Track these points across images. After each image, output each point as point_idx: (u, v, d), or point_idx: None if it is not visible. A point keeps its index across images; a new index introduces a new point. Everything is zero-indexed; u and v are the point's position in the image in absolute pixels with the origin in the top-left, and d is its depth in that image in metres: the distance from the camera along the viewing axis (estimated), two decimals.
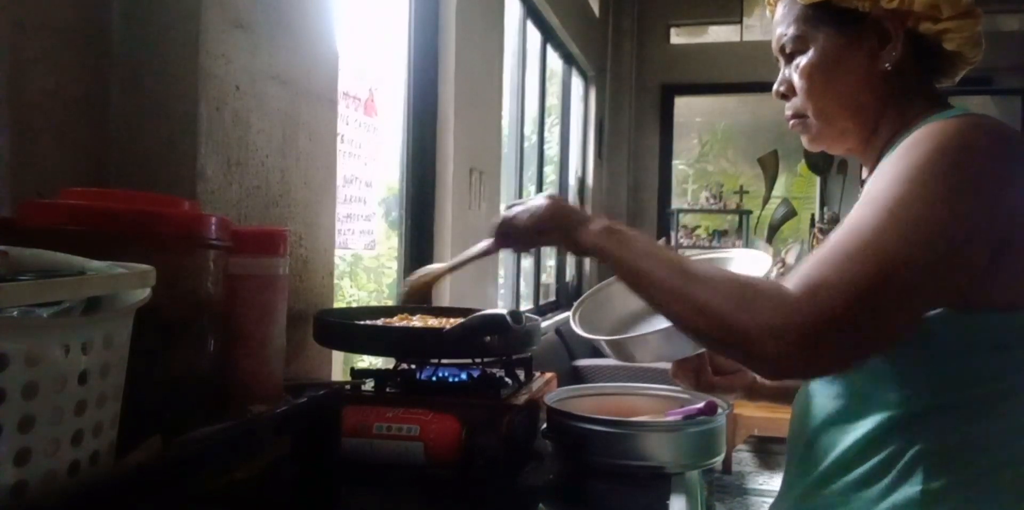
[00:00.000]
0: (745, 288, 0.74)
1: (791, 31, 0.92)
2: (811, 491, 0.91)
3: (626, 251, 0.85)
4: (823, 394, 0.92)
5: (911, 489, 0.81)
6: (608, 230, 0.88)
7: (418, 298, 1.20)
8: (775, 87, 0.97)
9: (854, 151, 0.96)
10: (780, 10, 0.95)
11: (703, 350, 1.06)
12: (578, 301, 1.24)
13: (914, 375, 0.82)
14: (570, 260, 5.39)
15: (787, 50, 0.94)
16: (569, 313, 1.23)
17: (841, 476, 0.87)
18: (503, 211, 1.02)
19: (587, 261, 5.68)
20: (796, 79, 0.93)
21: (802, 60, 0.92)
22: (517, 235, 0.98)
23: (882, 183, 0.77)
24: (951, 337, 0.79)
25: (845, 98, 0.91)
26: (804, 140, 0.98)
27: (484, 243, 1.07)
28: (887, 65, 0.88)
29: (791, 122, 0.97)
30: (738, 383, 1.16)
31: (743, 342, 0.72)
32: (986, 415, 0.81)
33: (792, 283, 0.72)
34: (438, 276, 1.19)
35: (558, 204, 0.95)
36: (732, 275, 0.77)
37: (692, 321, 0.78)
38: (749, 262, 1.10)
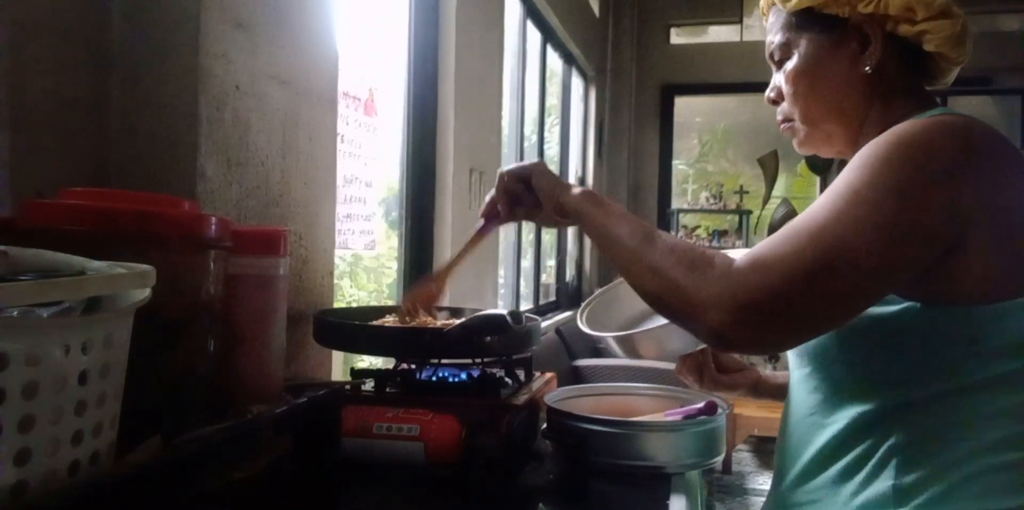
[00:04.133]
0: (698, 257, 0.77)
1: (778, 38, 0.96)
2: (793, 488, 0.93)
3: (601, 213, 0.89)
4: (801, 389, 0.94)
5: (883, 484, 0.82)
6: (588, 193, 0.93)
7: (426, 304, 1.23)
8: (767, 93, 1.00)
9: (843, 154, 0.98)
10: (771, 18, 0.99)
11: (706, 346, 1.07)
12: (585, 302, 1.25)
13: (886, 369, 0.83)
14: (570, 260, 5.38)
15: (776, 57, 0.97)
16: (570, 314, 1.23)
17: (819, 472, 0.89)
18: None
19: (587, 262, 5.68)
20: (784, 85, 0.96)
21: (788, 66, 0.95)
22: (507, 184, 1.02)
23: (844, 173, 0.79)
24: (922, 331, 0.80)
25: (829, 101, 0.93)
26: (794, 144, 1.01)
27: (477, 224, 1.10)
28: (868, 68, 0.90)
29: (782, 126, 1.00)
30: (741, 381, 1.16)
31: (688, 309, 0.75)
32: (957, 408, 0.82)
33: (741, 257, 0.75)
34: (444, 275, 1.20)
35: (545, 165, 1.01)
36: (691, 245, 0.80)
37: (645, 282, 0.81)
38: None
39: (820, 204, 0.77)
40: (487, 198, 1.06)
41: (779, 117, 0.99)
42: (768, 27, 0.99)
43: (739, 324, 0.72)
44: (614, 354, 1.09)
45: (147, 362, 0.66)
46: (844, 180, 0.78)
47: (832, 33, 0.91)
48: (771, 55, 0.98)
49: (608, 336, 1.07)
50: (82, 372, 0.54)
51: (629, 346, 1.06)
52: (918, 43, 0.90)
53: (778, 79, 0.97)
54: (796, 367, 0.96)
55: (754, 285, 0.72)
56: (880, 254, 0.73)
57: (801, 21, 0.93)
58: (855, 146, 0.94)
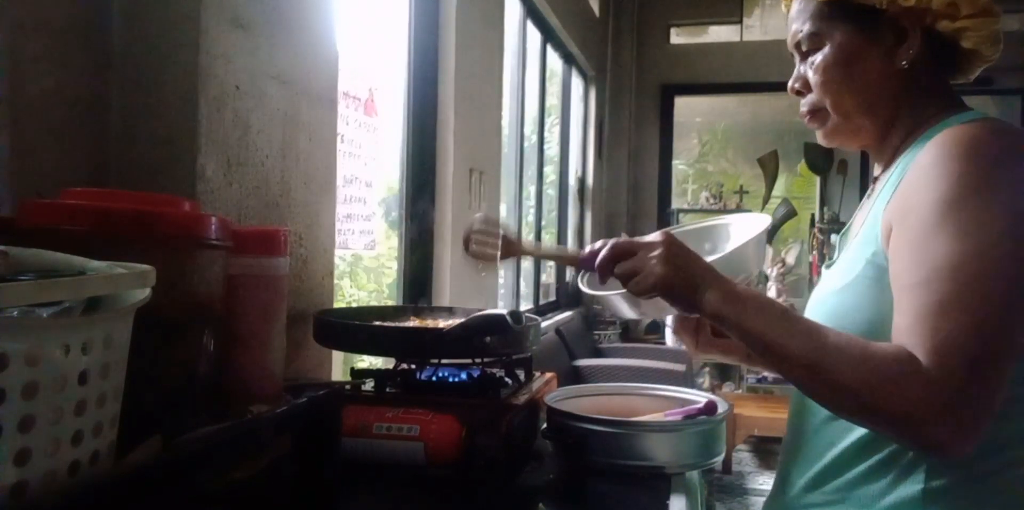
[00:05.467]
0: (882, 364, 0.72)
1: (807, 28, 0.92)
2: (810, 488, 0.91)
3: (751, 320, 0.81)
4: None
5: (913, 487, 0.81)
6: (729, 296, 0.83)
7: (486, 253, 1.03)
8: (790, 83, 0.97)
9: (868, 147, 0.97)
10: (796, 6, 0.95)
11: None
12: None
13: None
14: None
15: (803, 47, 0.94)
16: (570, 314, 1.21)
17: (842, 473, 0.87)
18: (619, 240, 0.91)
19: None
20: (812, 76, 0.93)
21: (818, 57, 0.92)
22: (632, 282, 0.88)
23: (937, 210, 0.76)
24: None
25: (861, 96, 0.91)
26: (819, 135, 0.97)
27: (584, 253, 0.95)
28: (904, 63, 0.88)
29: (806, 118, 0.96)
30: (735, 347, 1.16)
31: (900, 429, 0.73)
32: (995, 419, 0.80)
33: (912, 346, 0.72)
34: (513, 250, 1.05)
35: (675, 257, 0.86)
36: (862, 345, 0.75)
37: (837, 403, 0.78)
38: (747, 225, 1.09)
39: (943, 257, 0.74)
40: (597, 247, 0.92)
41: (804, 109, 0.96)
42: (792, 15, 0.95)
43: (963, 432, 0.70)
44: (615, 314, 1.07)
45: (147, 362, 0.66)
46: (945, 219, 0.75)
47: (867, 25, 0.89)
48: (797, 45, 0.94)
49: (610, 294, 1.04)
50: (82, 372, 0.54)
51: (632, 303, 1.03)
52: (955, 40, 0.89)
53: (803, 70, 0.95)
54: None
55: (960, 387, 0.69)
56: (1020, 290, 0.73)
57: (835, 11, 0.90)
58: (882, 141, 0.94)
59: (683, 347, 1.16)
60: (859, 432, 0.86)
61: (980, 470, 0.81)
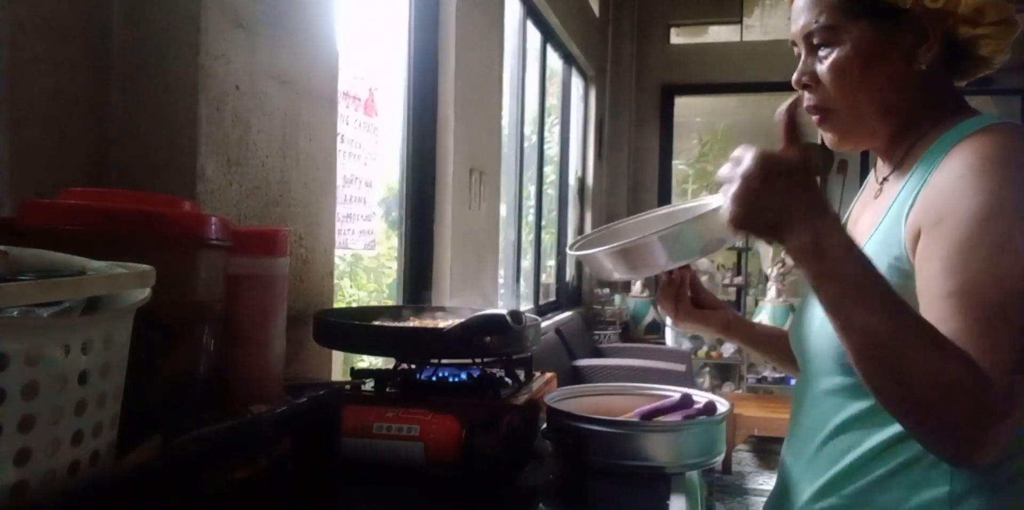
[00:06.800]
0: (955, 374, 0.70)
1: (823, 20, 0.88)
2: (825, 493, 0.90)
3: (830, 283, 0.76)
4: (842, 395, 0.90)
5: (938, 490, 0.81)
6: (815, 248, 0.76)
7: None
8: (796, 77, 0.92)
9: (878, 150, 0.95)
10: None
11: (687, 263, 1.04)
12: (580, 236, 1.23)
13: None
14: (570, 260, 5.39)
15: (814, 40, 0.90)
16: (570, 313, 1.22)
17: (862, 477, 0.86)
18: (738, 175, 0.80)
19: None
20: (825, 72, 0.89)
21: (833, 53, 0.88)
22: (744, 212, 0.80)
23: (974, 221, 0.75)
24: None
25: (877, 96, 0.88)
26: (829, 140, 0.94)
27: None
28: (923, 65, 0.86)
29: (815, 116, 0.93)
30: (714, 318, 1.16)
31: (942, 440, 0.72)
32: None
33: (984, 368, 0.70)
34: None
35: (767, 183, 0.77)
36: (942, 346, 0.71)
37: (889, 390, 0.75)
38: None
39: (987, 271, 0.73)
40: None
41: (809, 103, 0.92)
42: (802, 5, 0.91)
43: (994, 449, 0.70)
44: (602, 276, 1.06)
45: (147, 362, 0.66)
46: (984, 234, 0.74)
47: (887, 23, 0.86)
48: (807, 36, 0.90)
49: (595, 251, 1.02)
50: (82, 372, 0.54)
51: (618, 261, 1.02)
52: (971, 45, 0.88)
53: (811, 63, 0.91)
54: (836, 374, 0.90)
55: (1008, 408, 0.69)
56: None
57: (855, 6, 0.87)
58: (892, 143, 0.92)
59: (683, 347, 1.17)
60: (881, 435, 0.84)
61: (1005, 473, 0.80)
